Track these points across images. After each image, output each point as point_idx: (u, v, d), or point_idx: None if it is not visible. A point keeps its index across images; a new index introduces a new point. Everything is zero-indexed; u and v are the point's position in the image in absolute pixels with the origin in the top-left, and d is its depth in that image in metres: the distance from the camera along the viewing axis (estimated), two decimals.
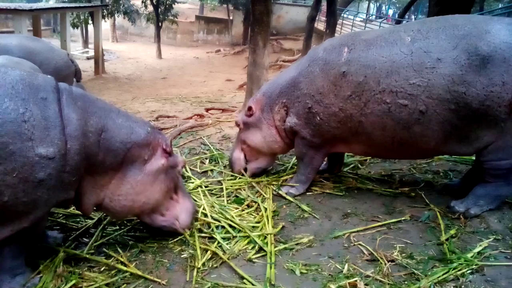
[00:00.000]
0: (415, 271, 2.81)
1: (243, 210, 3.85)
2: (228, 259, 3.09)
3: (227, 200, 4.07)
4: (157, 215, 3.25)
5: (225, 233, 3.47)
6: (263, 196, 4.10)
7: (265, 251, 3.19)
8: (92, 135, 2.72)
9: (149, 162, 3.06)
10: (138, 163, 3.01)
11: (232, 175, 4.62)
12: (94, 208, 3.07)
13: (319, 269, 2.94)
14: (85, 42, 28.04)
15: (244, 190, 4.27)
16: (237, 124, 4.61)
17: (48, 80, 2.66)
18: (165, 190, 3.21)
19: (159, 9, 27.07)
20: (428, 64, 3.19)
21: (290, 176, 4.46)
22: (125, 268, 2.98)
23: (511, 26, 3.13)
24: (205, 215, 3.69)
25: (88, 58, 23.66)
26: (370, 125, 3.53)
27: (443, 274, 2.73)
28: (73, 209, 3.70)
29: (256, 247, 3.25)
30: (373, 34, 3.61)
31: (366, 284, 2.72)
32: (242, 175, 4.57)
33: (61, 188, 2.61)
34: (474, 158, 3.76)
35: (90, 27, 24.40)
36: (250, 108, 4.41)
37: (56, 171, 2.50)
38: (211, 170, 4.86)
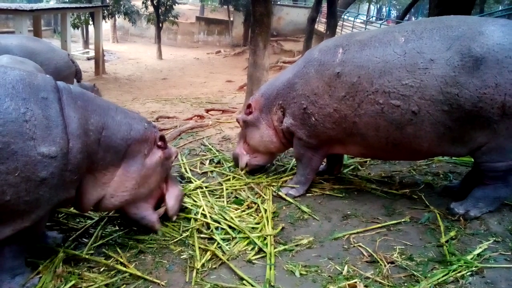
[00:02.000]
0: (415, 273, 2.81)
1: (243, 211, 3.85)
2: (227, 260, 3.09)
3: (227, 201, 4.06)
4: (144, 204, 3.32)
5: (224, 234, 3.47)
6: (263, 197, 4.10)
7: (264, 252, 3.19)
8: (93, 133, 2.75)
9: (148, 156, 3.18)
10: (139, 158, 3.11)
11: (232, 176, 4.62)
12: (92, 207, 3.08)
13: (319, 271, 2.94)
14: (86, 43, 28.08)
15: (244, 191, 4.27)
16: (238, 122, 4.76)
17: (47, 80, 2.67)
18: (159, 180, 3.36)
19: (160, 10, 27.10)
20: (421, 65, 3.19)
21: (290, 177, 4.46)
22: (124, 269, 2.97)
23: (505, 28, 3.13)
24: (205, 216, 3.69)
25: (88, 59, 23.69)
26: (364, 126, 3.54)
27: (442, 276, 2.73)
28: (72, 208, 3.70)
29: (256, 248, 3.25)
30: (367, 35, 3.62)
31: (365, 286, 2.71)
32: (242, 170, 4.68)
33: (63, 187, 2.62)
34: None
35: (91, 28, 24.45)
36: (249, 106, 4.51)
37: (59, 170, 2.51)
38: (211, 171, 4.86)
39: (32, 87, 2.51)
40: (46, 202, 2.55)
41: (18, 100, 2.41)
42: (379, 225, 3.49)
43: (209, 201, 3.99)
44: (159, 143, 3.28)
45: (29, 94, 2.47)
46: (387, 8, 52.18)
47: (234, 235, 3.43)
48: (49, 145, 2.45)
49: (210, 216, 3.69)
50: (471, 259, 2.87)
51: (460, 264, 2.82)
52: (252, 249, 3.26)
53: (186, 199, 4.01)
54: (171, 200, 3.50)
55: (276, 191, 4.21)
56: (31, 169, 2.40)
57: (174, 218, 3.55)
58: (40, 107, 2.47)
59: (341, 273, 2.89)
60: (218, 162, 5.13)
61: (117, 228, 3.58)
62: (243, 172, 4.67)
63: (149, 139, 3.18)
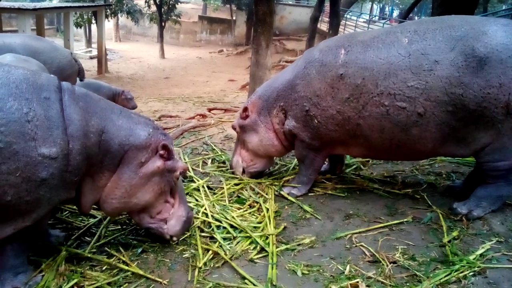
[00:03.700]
0: (417, 273, 2.81)
1: (245, 211, 3.85)
2: (230, 259, 3.09)
3: (229, 201, 4.06)
4: (146, 216, 3.16)
5: (226, 233, 3.47)
6: (265, 196, 4.09)
7: (266, 251, 3.19)
8: (93, 135, 2.72)
9: (145, 165, 2.97)
10: (134, 166, 2.94)
11: (234, 176, 4.61)
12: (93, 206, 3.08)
13: (321, 270, 2.94)
14: (88, 42, 28.15)
15: (246, 190, 4.27)
16: (234, 128, 4.60)
17: (51, 80, 2.67)
18: (158, 192, 3.10)
19: (162, 9, 27.15)
20: (426, 67, 3.19)
21: (292, 176, 4.45)
22: (126, 268, 2.98)
23: (507, 27, 3.13)
24: (207, 215, 3.69)
25: (91, 58, 23.73)
26: (368, 128, 3.52)
27: (445, 276, 2.72)
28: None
29: (258, 247, 3.25)
30: (369, 35, 3.60)
31: (367, 286, 2.71)
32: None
33: (63, 188, 2.62)
34: None
35: (94, 27, 24.49)
36: (245, 109, 4.39)
37: (59, 170, 2.51)
38: (214, 171, 4.86)
39: (36, 87, 2.51)
40: (46, 202, 2.56)
41: (21, 100, 2.41)
42: (381, 224, 3.48)
43: (211, 200, 3.99)
44: (161, 152, 3.01)
45: (32, 94, 2.46)
46: (390, 7, 52.06)
47: (235, 235, 3.42)
48: (50, 146, 2.45)
49: (212, 215, 3.69)
50: (473, 259, 2.86)
51: (462, 264, 2.81)
52: (254, 248, 3.26)
53: (188, 198, 4.02)
54: (172, 219, 3.22)
55: (278, 191, 4.20)
56: (32, 170, 2.40)
57: (175, 239, 3.27)
58: (42, 107, 2.47)
59: (343, 272, 2.89)
60: (221, 162, 5.13)
61: (119, 227, 3.58)
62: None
63: (150, 147, 2.97)
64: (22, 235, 2.64)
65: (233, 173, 4.66)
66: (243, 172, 4.57)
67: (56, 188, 2.56)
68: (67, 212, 3.72)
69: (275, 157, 4.77)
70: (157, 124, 3.37)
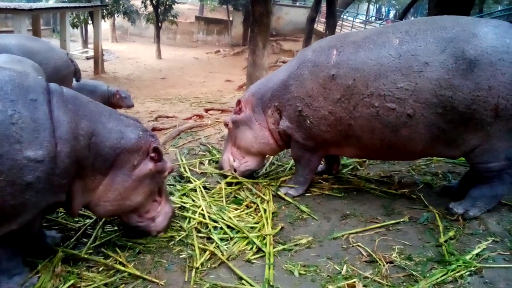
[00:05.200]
0: (414, 273, 2.81)
1: (242, 211, 3.85)
2: (227, 259, 3.09)
3: (226, 201, 4.06)
4: (135, 215, 3.22)
5: (223, 234, 3.47)
6: (262, 197, 4.09)
7: (263, 252, 3.19)
8: (83, 138, 2.68)
9: (137, 167, 3.00)
10: (127, 169, 2.95)
11: (232, 177, 4.60)
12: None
13: (318, 270, 2.94)
14: (85, 42, 28.09)
15: (243, 191, 4.26)
16: (226, 124, 4.56)
17: (38, 81, 2.62)
18: (149, 193, 3.17)
19: (159, 10, 27.12)
20: (416, 68, 3.19)
21: (289, 176, 4.45)
22: (123, 268, 2.97)
23: (498, 29, 3.13)
24: (204, 216, 3.68)
25: (87, 58, 23.69)
26: (359, 128, 3.53)
27: (441, 276, 2.73)
28: None
29: (255, 248, 3.25)
30: (361, 36, 3.59)
31: (364, 286, 2.71)
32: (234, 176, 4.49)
33: (51, 191, 2.56)
34: None
35: (90, 27, 24.46)
36: (239, 103, 4.36)
37: (45, 174, 2.46)
38: (211, 173, 4.85)
39: (21, 89, 2.46)
40: (32, 206, 2.50)
41: (6, 102, 2.35)
42: (378, 225, 3.49)
43: (208, 201, 3.98)
44: (152, 154, 3.05)
45: (17, 96, 2.41)
46: (386, 8, 52.23)
47: (232, 235, 3.42)
48: (36, 149, 2.39)
49: (209, 216, 3.68)
50: (470, 259, 2.88)
51: (459, 264, 2.82)
52: (251, 248, 3.25)
53: (185, 199, 4.01)
54: (160, 216, 3.34)
55: (275, 191, 4.20)
56: (17, 173, 2.34)
57: (160, 234, 3.39)
58: (28, 109, 2.42)
59: (340, 272, 2.89)
60: (217, 162, 5.12)
61: (116, 228, 3.57)
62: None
63: (141, 149, 3.00)
64: (12, 238, 2.60)
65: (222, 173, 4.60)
66: (234, 171, 4.50)
67: (43, 192, 2.50)
68: (62, 213, 3.71)
69: (266, 156, 4.73)
70: (145, 125, 3.36)
